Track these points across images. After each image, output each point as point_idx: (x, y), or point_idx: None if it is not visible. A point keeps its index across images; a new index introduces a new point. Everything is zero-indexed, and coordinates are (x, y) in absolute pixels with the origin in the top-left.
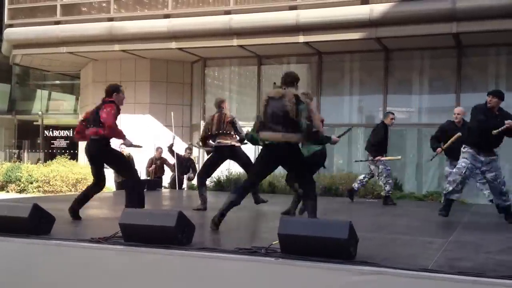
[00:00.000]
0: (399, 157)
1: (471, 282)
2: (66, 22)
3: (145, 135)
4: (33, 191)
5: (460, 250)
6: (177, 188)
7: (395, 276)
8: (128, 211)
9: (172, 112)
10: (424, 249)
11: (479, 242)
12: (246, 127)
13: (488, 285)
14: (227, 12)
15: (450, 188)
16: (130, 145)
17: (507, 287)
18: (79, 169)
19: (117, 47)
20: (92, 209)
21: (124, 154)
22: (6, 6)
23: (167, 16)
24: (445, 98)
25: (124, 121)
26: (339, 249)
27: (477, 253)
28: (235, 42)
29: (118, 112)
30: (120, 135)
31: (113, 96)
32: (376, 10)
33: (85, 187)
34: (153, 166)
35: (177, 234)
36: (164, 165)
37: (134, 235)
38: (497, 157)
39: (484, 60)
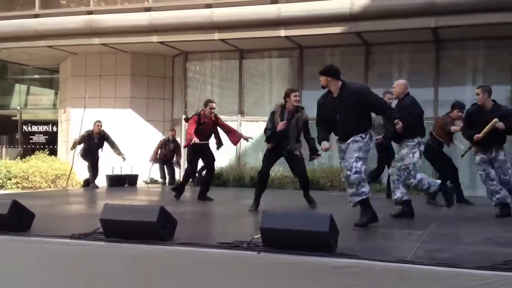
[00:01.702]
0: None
1: (449, 273)
2: (45, 15)
3: (126, 129)
4: (12, 187)
5: (438, 242)
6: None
7: (375, 267)
8: (109, 207)
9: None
10: (403, 241)
11: (457, 234)
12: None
13: (466, 276)
14: (208, 6)
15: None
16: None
17: (485, 278)
18: (59, 165)
19: (96, 40)
20: (73, 205)
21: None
22: None
23: (147, 9)
24: (424, 91)
25: (104, 116)
26: (320, 242)
27: (455, 244)
28: (216, 36)
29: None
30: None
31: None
32: (357, 4)
33: (64, 182)
34: (163, 149)
35: (158, 229)
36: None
37: (115, 231)
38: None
39: (462, 54)
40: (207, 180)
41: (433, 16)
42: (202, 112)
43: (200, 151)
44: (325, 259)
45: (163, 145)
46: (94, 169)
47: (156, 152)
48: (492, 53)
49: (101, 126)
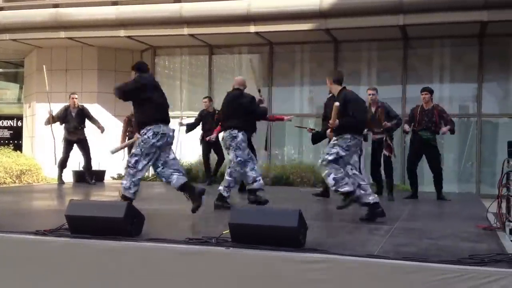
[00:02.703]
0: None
1: (415, 267)
2: (10, 8)
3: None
4: None
5: (405, 236)
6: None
7: (343, 262)
8: (74, 203)
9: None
10: (371, 236)
11: (423, 229)
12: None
13: (431, 270)
14: (177, 0)
15: None
16: None
17: (449, 272)
18: (24, 160)
19: (63, 34)
20: (39, 201)
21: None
22: None
23: (115, 3)
24: (392, 89)
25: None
26: (289, 237)
27: (421, 239)
28: (185, 31)
29: None
30: None
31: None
32: (326, 1)
33: (30, 178)
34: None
35: (126, 225)
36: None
37: (81, 227)
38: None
39: (430, 52)
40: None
41: (401, 14)
42: None
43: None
44: (294, 254)
45: (128, 122)
46: (87, 159)
47: (124, 132)
48: (459, 51)
49: (76, 98)
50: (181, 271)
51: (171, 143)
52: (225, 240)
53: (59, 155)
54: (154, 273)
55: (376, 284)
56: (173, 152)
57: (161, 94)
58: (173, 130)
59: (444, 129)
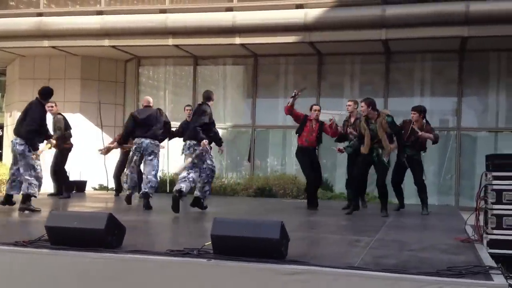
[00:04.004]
0: None
1: (395, 279)
2: None
3: (76, 134)
4: None
5: (385, 248)
6: None
7: (324, 274)
8: (54, 213)
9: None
10: (352, 247)
11: (403, 240)
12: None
13: (411, 282)
14: (163, 11)
15: None
16: None
17: (428, 283)
18: (5, 170)
19: (46, 43)
20: (18, 212)
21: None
22: None
23: (100, 12)
24: None
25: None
26: (271, 249)
27: (401, 251)
28: (170, 41)
29: None
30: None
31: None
32: (310, 14)
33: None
34: None
35: (107, 237)
36: None
37: (62, 238)
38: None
39: (411, 66)
40: None
41: (383, 29)
42: None
43: None
44: (275, 266)
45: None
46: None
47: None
48: (439, 65)
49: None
50: (162, 283)
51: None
52: (207, 252)
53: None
54: (134, 285)
55: None
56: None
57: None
58: None
59: (426, 135)
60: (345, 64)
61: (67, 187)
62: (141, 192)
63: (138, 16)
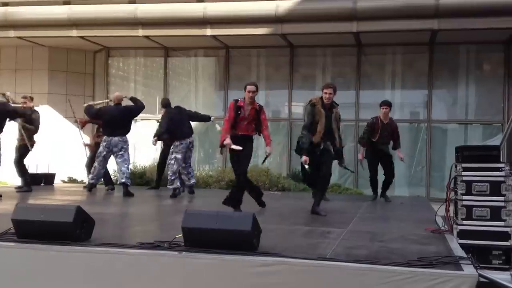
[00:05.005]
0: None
1: (366, 270)
2: None
3: (43, 126)
4: None
5: (356, 239)
6: None
7: (296, 265)
8: (21, 207)
9: (69, 100)
10: (323, 239)
11: (374, 231)
12: (151, 119)
13: (382, 272)
14: (132, 1)
15: None
16: None
17: (399, 273)
18: None
19: (12, 33)
20: None
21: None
22: None
23: (67, 2)
24: (346, 94)
25: None
26: (243, 241)
27: (372, 242)
28: (140, 32)
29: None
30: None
31: None
32: (282, 6)
33: None
34: None
35: (75, 230)
36: None
37: (28, 231)
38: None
39: (382, 59)
40: None
41: (354, 21)
42: None
43: None
44: (247, 258)
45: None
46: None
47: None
48: (410, 58)
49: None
50: (133, 276)
51: None
52: (178, 244)
53: None
54: (104, 278)
55: (328, 286)
56: None
57: None
58: None
59: (401, 155)
60: (317, 56)
61: (26, 181)
62: (119, 183)
63: (107, 6)
